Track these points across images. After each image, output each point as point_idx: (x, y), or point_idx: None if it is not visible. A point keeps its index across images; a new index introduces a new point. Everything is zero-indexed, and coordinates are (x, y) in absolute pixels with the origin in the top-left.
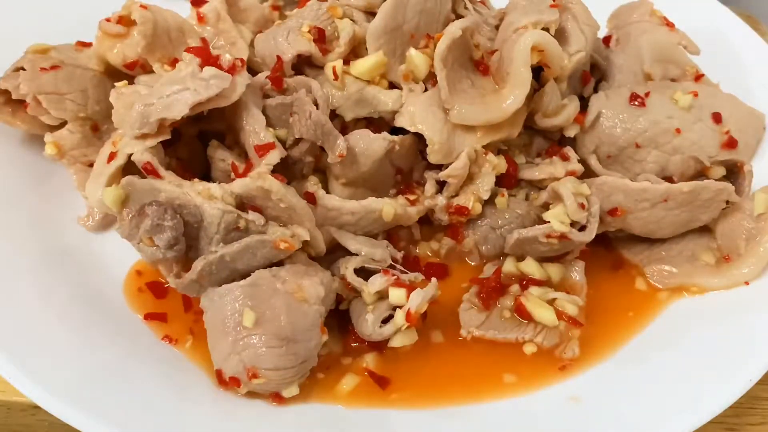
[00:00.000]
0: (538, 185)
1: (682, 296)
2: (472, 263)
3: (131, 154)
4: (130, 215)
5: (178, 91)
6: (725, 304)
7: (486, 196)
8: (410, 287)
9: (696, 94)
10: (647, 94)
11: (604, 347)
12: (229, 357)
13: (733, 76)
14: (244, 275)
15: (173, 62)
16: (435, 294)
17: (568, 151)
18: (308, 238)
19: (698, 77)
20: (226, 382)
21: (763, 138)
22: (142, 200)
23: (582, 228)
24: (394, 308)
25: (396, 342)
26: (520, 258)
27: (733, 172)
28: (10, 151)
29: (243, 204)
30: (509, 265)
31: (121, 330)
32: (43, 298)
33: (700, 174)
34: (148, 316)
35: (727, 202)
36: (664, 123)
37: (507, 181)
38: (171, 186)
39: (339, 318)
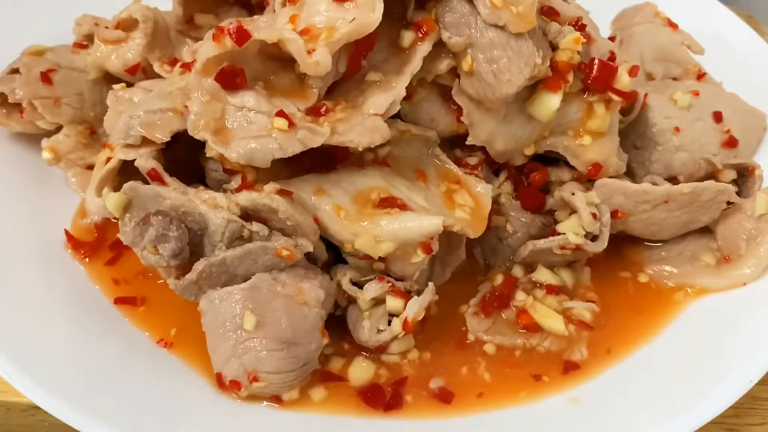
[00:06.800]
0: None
1: (682, 296)
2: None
3: (125, 160)
4: (133, 221)
5: (165, 110)
6: (725, 305)
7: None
8: (406, 295)
9: (697, 93)
10: (645, 96)
11: (604, 348)
12: (230, 360)
13: (732, 76)
14: (244, 281)
15: (173, 62)
16: (432, 300)
17: None
18: (311, 250)
19: (700, 76)
20: (226, 385)
21: (764, 137)
22: (146, 206)
23: (594, 237)
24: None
25: (393, 348)
26: (528, 266)
27: (743, 176)
28: (9, 149)
29: (248, 214)
30: (517, 272)
31: (121, 330)
32: (43, 298)
33: (710, 177)
34: (119, 300)
35: (728, 202)
36: (662, 123)
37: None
38: (176, 193)
39: (338, 321)
